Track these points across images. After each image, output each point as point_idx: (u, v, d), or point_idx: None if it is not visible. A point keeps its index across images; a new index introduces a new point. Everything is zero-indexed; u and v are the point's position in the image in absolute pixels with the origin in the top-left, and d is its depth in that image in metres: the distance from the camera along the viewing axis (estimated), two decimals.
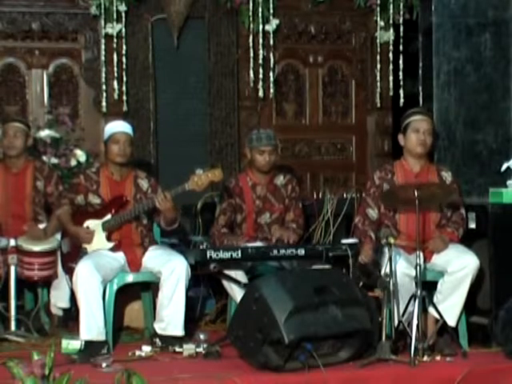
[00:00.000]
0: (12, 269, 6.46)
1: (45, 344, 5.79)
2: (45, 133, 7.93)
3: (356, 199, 7.35)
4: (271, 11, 8.24)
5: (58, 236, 6.59)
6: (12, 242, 6.49)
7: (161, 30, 8.32)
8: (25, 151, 6.95)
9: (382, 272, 5.64)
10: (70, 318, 6.47)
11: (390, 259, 5.54)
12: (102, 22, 7.97)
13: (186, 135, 8.33)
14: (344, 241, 6.20)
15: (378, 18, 8.50)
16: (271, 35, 8.30)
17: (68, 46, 8.17)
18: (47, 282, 6.67)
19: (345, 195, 7.58)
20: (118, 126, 6.31)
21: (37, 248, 6.51)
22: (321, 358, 5.20)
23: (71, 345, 5.73)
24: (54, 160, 7.81)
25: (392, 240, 5.59)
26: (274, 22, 8.27)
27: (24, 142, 6.90)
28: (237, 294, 6.12)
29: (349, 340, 5.41)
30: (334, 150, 8.66)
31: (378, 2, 8.45)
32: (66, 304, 6.63)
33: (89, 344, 5.77)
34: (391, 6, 8.44)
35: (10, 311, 6.43)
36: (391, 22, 8.48)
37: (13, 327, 6.41)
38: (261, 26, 8.26)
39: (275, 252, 6.09)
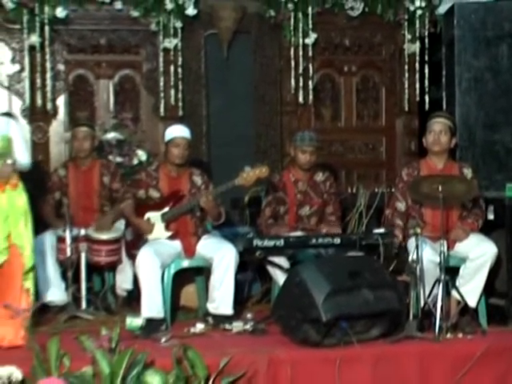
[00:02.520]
0: (82, 255, 6.50)
1: (111, 321, 5.81)
2: (110, 135, 7.97)
3: (386, 193, 7.33)
4: (310, 26, 8.21)
5: (122, 226, 6.62)
6: (82, 232, 6.54)
7: (212, 43, 8.32)
8: (92, 151, 6.99)
9: (410, 259, 5.61)
10: (133, 298, 6.47)
11: (417, 247, 5.52)
12: (161, 37, 7.99)
13: (234, 137, 8.31)
14: (375, 231, 6.16)
15: (406, 32, 8.44)
16: (310, 48, 8.27)
17: (131, 58, 8.19)
18: (113, 266, 6.72)
19: (376, 190, 7.57)
20: (178, 131, 6.31)
21: (104, 237, 6.56)
22: (355, 335, 5.19)
23: (134, 322, 5.77)
24: (119, 159, 7.84)
25: (419, 230, 5.57)
26: (313, 36, 8.23)
27: (91, 144, 6.94)
28: (280, 278, 6.11)
29: (379, 319, 5.39)
30: (366, 149, 8.61)
31: (406, 17, 8.39)
32: (129, 286, 6.66)
33: (149, 321, 5.80)
34: (417, 21, 8.38)
35: (81, 292, 6.47)
36: (417, 35, 8.42)
37: (83, 306, 6.44)
38: (301, 40, 8.23)
39: (314, 241, 6.08)
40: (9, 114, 7.54)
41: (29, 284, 5.52)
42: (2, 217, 5.48)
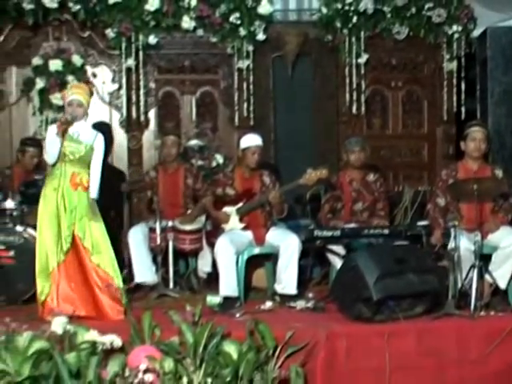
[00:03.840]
0: (170, 243, 6.52)
1: (194, 299, 5.81)
2: (193, 142, 8.02)
3: (428, 191, 7.25)
4: (362, 48, 8.16)
5: (203, 218, 6.65)
6: (170, 224, 6.57)
7: (279, 64, 8.32)
8: (178, 156, 7.03)
9: (449, 247, 5.54)
10: (212, 279, 6.48)
11: (455, 237, 5.46)
12: (235, 59, 8.02)
13: (297, 143, 8.31)
14: (419, 223, 6.10)
15: (445, 53, 8.33)
16: (362, 66, 8.22)
17: (210, 77, 8.22)
18: (195, 252, 6.74)
19: (419, 188, 7.51)
20: (254, 140, 6.30)
21: (188, 228, 6.59)
22: (401, 312, 5.15)
23: (213, 300, 5.75)
24: (200, 162, 7.89)
25: (456, 223, 5.50)
26: (365, 57, 8.18)
27: (177, 150, 6.98)
28: (337, 263, 6.09)
29: (422, 298, 5.33)
30: (410, 153, 8.52)
31: (445, 40, 8.29)
32: (209, 269, 6.67)
33: (226, 299, 5.81)
34: (455, 43, 8.26)
35: (168, 274, 6.49)
36: (455, 55, 8.30)
37: (171, 286, 6.46)
38: (354, 60, 8.18)
39: (366, 231, 6.03)
40: (106, 124, 7.70)
41: (97, 260, 5.54)
42: (69, 209, 5.52)
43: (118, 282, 5.55)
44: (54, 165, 5.54)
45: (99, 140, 5.69)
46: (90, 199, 5.60)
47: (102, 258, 5.55)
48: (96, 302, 5.49)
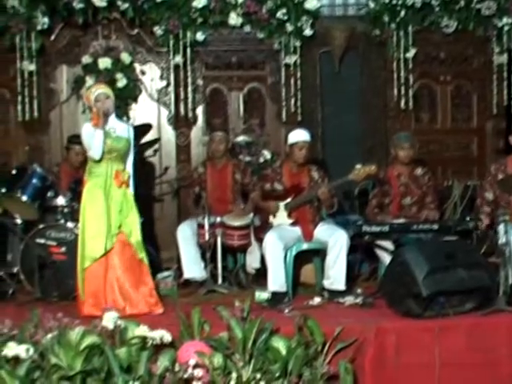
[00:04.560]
0: (218, 239, 6.55)
1: (243, 294, 5.79)
2: (241, 138, 8.03)
3: (477, 186, 7.15)
4: (410, 42, 8.07)
5: (251, 214, 6.66)
6: (218, 220, 6.58)
7: (326, 59, 8.28)
8: (226, 153, 7.05)
9: (499, 242, 5.46)
10: (261, 275, 6.46)
11: (506, 232, 5.38)
12: (282, 55, 7.99)
13: (344, 138, 8.26)
14: (468, 218, 6.04)
15: (494, 45, 8.21)
16: (410, 61, 8.13)
17: (257, 73, 8.22)
18: (244, 248, 6.74)
19: (468, 183, 7.41)
20: (302, 135, 6.27)
21: (236, 223, 6.59)
22: (451, 308, 5.12)
23: (262, 295, 5.79)
24: (248, 158, 7.89)
25: (507, 217, 5.43)
26: (413, 51, 8.09)
27: (225, 146, 7.00)
28: (385, 258, 6.05)
29: (473, 294, 5.27)
30: (459, 148, 8.42)
31: (494, 32, 8.16)
32: (257, 265, 6.65)
33: (275, 295, 5.82)
34: (505, 36, 8.13)
35: (217, 270, 6.53)
36: (505, 48, 8.17)
37: (219, 282, 6.49)
38: (402, 54, 8.09)
39: (415, 227, 5.99)
40: (149, 126, 7.76)
41: (142, 255, 5.61)
42: (117, 209, 5.57)
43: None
44: (96, 162, 5.57)
45: (132, 132, 5.79)
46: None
47: (143, 252, 5.62)
48: (137, 296, 5.55)
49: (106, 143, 5.52)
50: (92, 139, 5.48)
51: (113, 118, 5.67)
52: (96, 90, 5.63)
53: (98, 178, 5.58)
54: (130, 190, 5.72)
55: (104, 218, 5.50)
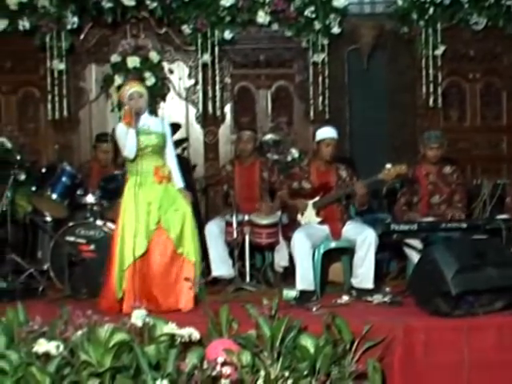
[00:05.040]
0: (246, 237, 6.54)
1: (271, 293, 5.79)
2: (268, 136, 8.03)
3: (507, 184, 7.09)
4: (439, 40, 8.05)
5: (279, 212, 6.65)
6: (246, 217, 6.57)
7: (354, 57, 8.27)
8: (254, 151, 7.05)
9: None
10: (289, 273, 6.46)
11: None
12: (310, 53, 8.01)
13: (372, 136, 8.24)
14: (498, 217, 5.98)
15: None
16: (439, 58, 8.10)
17: (285, 71, 8.25)
18: (272, 246, 6.73)
19: (498, 181, 7.33)
20: (329, 132, 6.26)
21: (264, 221, 6.58)
22: (480, 307, 5.06)
23: (289, 294, 5.77)
24: (275, 157, 7.88)
25: None
26: (441, 48, 8.06)
27: (253, 145, 6.99)
28: (414, 257, 6.01)
29: (502, 293, 5.21)
30: (489, 146, 8.38)
31: None
32: (285, 263, 6.65)
33: (302, 293, 5.81)
34: None
35: (245, 268, 6.52)
36: None
37: (247, 280, 6.48)
38: (431, 52, 8.07)
39: (443, 225, 5.95)
40: (177, 125, 7.78)
41: (182, 249, 5.60)
42: (157, 205, 5.58)
43: (197, 272, 5.60)
44: (133, 160, 5.59)
45: (167, 125, 5.82)
46: (178, 190, 5.69)
47: (187, 247, 5.60)
48: (174, 293, 5.57)
49: (140, 140, 5.54)
50: (125, 139, 5.51)
51: (146, 115, 5.69)
52: (130, 89, 5.65)
53: (137, 175, 5.59)
54: (179, 184, 5.73)
55: (143, 216, 5.51)
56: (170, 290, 5.57)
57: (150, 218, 5.53)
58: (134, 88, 5.65)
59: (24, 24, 7.73)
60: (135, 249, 5.48)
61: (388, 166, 5.96)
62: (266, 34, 8.07)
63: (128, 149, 5.53)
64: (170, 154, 5.77)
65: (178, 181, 5.75)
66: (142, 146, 5.56)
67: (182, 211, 5.63)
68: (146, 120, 5.66)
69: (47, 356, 3.90)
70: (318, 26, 7.86)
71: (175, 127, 7.68)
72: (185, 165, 7.25)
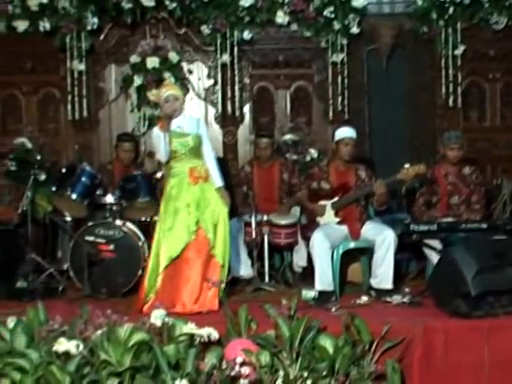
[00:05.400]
0: (265, 237, 6.56)
1: (289, 293, 5.79)
2: (287, 137, 8.02)
3: None
4: (459, 40, 8.00)
5: (298, 212, 6.64)
6: (265, 218, 6.60)
7: (373, 57, 8.23)
8: (272, 154, 7.04)
9: None
10: (307, 273, 6.46)
11: None
12: (329, 53, 7.98)
13: (391, 136, 8.21)
14: None
15: None
16: (459, 58, 8.06)
17: (304, 71, 8.22)
18: (291, 246, 6.75)
19: None
20: (347, 132, 6.24)
21: (283, 222, 6.61)
22: (500, 307, 5.03)
23: (308, 294, 5.78)
24: (294, 157, 7.87)
25: None
26: (461, 48, 8.01)
27: (271, 151, 6.98)
28: (433, 257, 5.99)
29: None
30: (509, 146, 8.30)
31: None
32: (304, 263, 6.67)
33: (321, 293, 5.81)
34: None
35: (264, 268, 6.53)
36: None
37: (266, 280, 6.49)
38: (450, 51, 8.02)
39: (463, 226, 5.92)
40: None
41: (214, 251, 5.62)
42: (195, 205, 5.61)
43: (223, 273, 5.63)
44: (167, 163, 5.68)
45: (202, 125, 5.86)
46: (217, 189, 5.73)
47: (220, 248, 5.64)
48: (200, 294, 5.58)
49: (174, 143, 5.60)
50: (159, 142, 5.59)
51: (181, 117, 5.74)
52: (166, 91, 5.72)
53: (173, 177, 5.68)
54: (218, 183, 5.76)
55: (183, 218, 5.56)
56: (199, 290, 5.57)
57: (189, 219, 5.57)
58: (169, 91, 5.71)
59: (44, 25, 7.78)
60: (171, 251, 5.52)
61: (407, 165, 5.94)
62: (285, 34, 8.06)
63: (160, 152, 5.64)
64: (208, 153, 5.81)
65: (217, 180, 5.78)
66: (175, 148, 5.62)
67: (218, 212, 5.67)
68: (181, 122, 5.70)
69: (67, 355, 3.93)
70: (337, 26, 7.85)
71: None
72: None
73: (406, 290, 5.99)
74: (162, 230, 5.60)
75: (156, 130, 5.69)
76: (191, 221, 5.57)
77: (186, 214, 5.57)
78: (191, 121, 5.84)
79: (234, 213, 5.95)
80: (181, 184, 5.64)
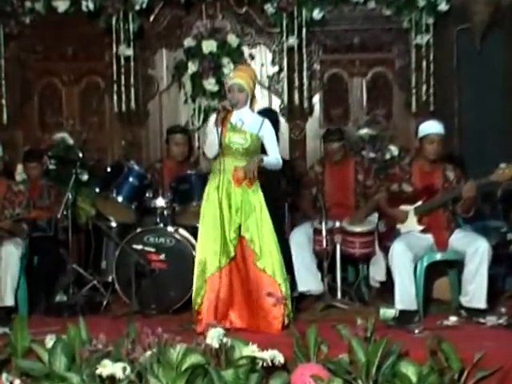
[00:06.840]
0: (337, 247, 6.55)
1: (365, 311, 5.80)
2: (363, 131, 8.02)
3: None
4: None
5: (375, 218, 6.63)
6: (337, 224, 6.58)
7: (464, 38, 8.16)
8: (345, 153, 7.04)
9: None
10: (386, 289, 6.43)
11: None
12: (413, 34, 7.95)
13: (486, 129, 8.13)
14: None
15: None
16: None
17: (383, 56, 8.20)
18: (367, 258, 6.72)
19: None
20: (433, 127, 6.18)
21: (358, 229, 6.59)
22: None
23: (387, 313, 5.75)
24: (371, 154, 7.87)
25: None
26: None
27: (343, 152, 6.97)
28: None
29: None
30: None
31: None
32: (382, 277, 6.64)
33: (402, 312, 5.77)
34: None
35: (336, 282, 6.52)
36: None
37: (339, 296, 6.48)
38: None
39: None
40: (270, 110, 7.80)
41: (263, 264, 5.57)
42: (234, 209, 5.62)
43: (284, 288, 5.61)
44: (214, 159, 5.66)
45: (267, 127, 5.75)
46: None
47: (269, 261, 5.61)
48: (255, 311, 5.60)
49: (226, 137, 5.59)
50: (210, 134, 5.61)
51: (245, 110, 5.71)
52: (233, 78, 5.72)
53: (215, 177, 5.66)
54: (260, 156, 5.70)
55: (219, 222, 5.57)
56: (248, 308, 5.61)
57: (231, 225, 5.59)
58: (236, 79, 5.69)
59: (88, 4, 7.91)
60: (213, 260, 5.55)
61: (502, 165, 5.86)
62: (361, 13, 8.06)
63: (207, 147, 5.67)
64: (272, 152, 5.74)
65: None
66: (229, 143, 5.61)
67: (261, 217, 5.66)
68: (242, 116, 5.68)
69: (112, 379, 3.99)
70: (421, 2, 7.81)
71: (271, 114, 7.58)
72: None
73: (502, 309, 5.95)
74: (206, 234, 5.61)
75: (211, 120, 5.66)
76: (231, 228, 5.59)
77: (223, 221, 5.57)
78: (255, 119, 5.77)
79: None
80: (222, 184, 5.60)
